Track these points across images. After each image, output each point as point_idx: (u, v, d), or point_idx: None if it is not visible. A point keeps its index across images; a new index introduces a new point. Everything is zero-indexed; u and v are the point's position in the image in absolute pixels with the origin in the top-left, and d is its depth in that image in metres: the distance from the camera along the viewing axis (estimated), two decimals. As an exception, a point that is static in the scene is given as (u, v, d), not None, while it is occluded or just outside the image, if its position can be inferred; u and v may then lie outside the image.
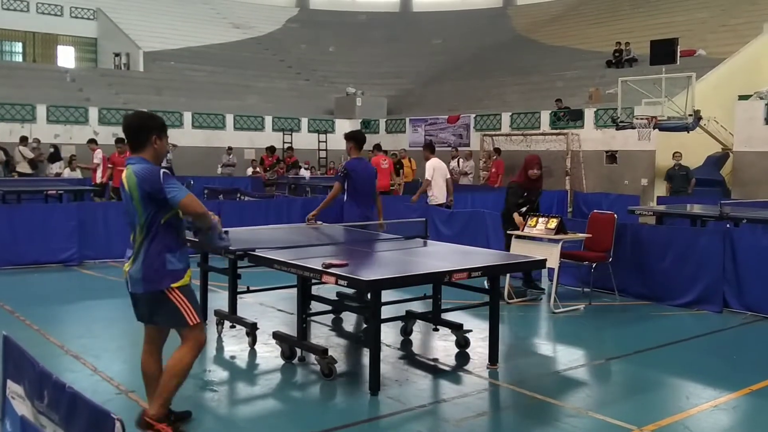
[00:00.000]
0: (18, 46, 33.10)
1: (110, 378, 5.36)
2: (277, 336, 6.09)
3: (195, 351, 4.33)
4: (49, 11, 32.99)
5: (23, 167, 18.06)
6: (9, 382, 3.36)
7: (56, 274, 9.80)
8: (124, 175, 4.22)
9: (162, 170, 4.13)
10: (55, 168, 18.92)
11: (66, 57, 33.36)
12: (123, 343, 6.59)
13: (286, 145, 24.49)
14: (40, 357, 3.27)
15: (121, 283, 9.44)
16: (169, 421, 4.26)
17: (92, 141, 17.19)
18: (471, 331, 6.33)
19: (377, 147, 15.71)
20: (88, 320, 7.28)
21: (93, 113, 22.46)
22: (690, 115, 16.04)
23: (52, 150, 19.33)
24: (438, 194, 11.46)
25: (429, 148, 11.95)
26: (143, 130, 4.23)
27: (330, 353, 5.54)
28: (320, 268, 5.16)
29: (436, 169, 11.42)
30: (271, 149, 20.98)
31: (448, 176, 11.74)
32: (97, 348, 6.18)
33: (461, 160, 20.47)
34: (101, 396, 4.88)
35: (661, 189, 17.64)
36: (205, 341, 4.50)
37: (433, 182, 11.46)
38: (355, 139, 8.04)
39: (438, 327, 6.66)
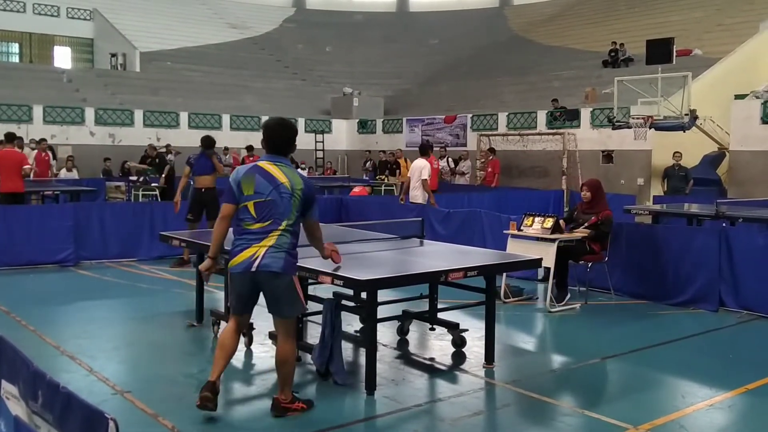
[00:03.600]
0: (14, 47, 33.02)
1: (106, 378, 5.35)
2: (274, 336, 6.08)
3: (295, 335, 4.79)
4: (46, 12, 32.92)
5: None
6: (3, 382, 3.35)
7: (52, 275, 9.78)
8: (273, 168, 4.59)
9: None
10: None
11: (62, 57, 33.29)
12: (119, 343, 6.59)
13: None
14: (35, 357, 3.27)
15: (116, 284, 9.45)
16: (297, 399, 4.75)
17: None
18: (467, 330, 6.33)
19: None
20: (84, 321, 7.27)
21: (89, 114, 22.40)
22: (686, 115, 16.04)
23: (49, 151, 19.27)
24: (419, 194, 11.74)
25: (423, 150, 12.25)
26: (292, 142, 4.77)
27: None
28: (316, 268, 5.17)
29: (424, 169, 11.67)
30: (249, 148, 20.60)
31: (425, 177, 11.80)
32: (92, 349, 6.17)
33: (450, 160, 20.51)
34: (97, 397, 4.87)
35: (657, 188, 17.66)
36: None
37: (414, 183, 11.79)
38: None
39: (434, 326, 6.67)
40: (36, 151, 16.88)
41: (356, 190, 16.95)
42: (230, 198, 4.62)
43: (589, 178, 9.04)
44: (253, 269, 4.49)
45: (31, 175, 15.03)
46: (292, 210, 4.56)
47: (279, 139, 4.71)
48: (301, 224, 4.72)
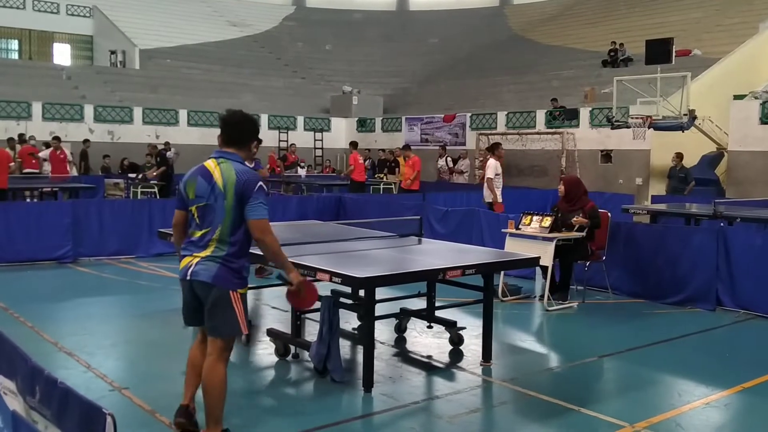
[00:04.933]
0: (14, 44, 32.99)
1: (104, 375, 5.36)
2: (271, 333, 6.11)
3: (225, 360, 4.15)
4: (46, 9, 32.91)
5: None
6: (1, 378, 3.36)
7: (51, 272, 9.79)
8: (214, 166, 4.10)
9: (260, 183, 4.04)
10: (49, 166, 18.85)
11: (62, 54, 33.27)
12: (117, 340, 6.60)
13: (282, 143, 24.46)
14: (34, 354, 3.28)
15: (114, 281, 9.47)
16: None
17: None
18: (465, 328, 6.34)
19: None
20: (82, 317, 7.28)
21: (89, 111, 22.39)
22: (685, 115, 16.06)
23: (44, 148, 19.27)
24: (488, 194, 11.87)
25: (491, 148, 12.47)
26: (249, 131, 4.24)
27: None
28: (315, 266, 5.18)
29: (489, 168, 11.84)
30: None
31: None
32: (90, 345, 6.18)
33: (449, 159, 20.53)
34: (94, 393, 4.87)
35: (655, 188, 17.67)
36: (230, 353, 4.28)
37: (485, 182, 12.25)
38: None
39: (432, 324, 6.67)
40: (51, 149, 16.82)
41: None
42: (179, 203, 4.25)
43: (569, 175, 9.12)
44: (188, 277, 4.08)
45: (18, 170, 15.13)
46: (225, 215, 4.01)
47: (226, 129, 4.21)
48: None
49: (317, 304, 5.01)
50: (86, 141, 20.46)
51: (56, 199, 14.11)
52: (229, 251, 4.05)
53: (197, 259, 4.07)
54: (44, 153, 17.01)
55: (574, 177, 8.82)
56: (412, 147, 18.32)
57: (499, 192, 11.64)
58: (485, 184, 11.84)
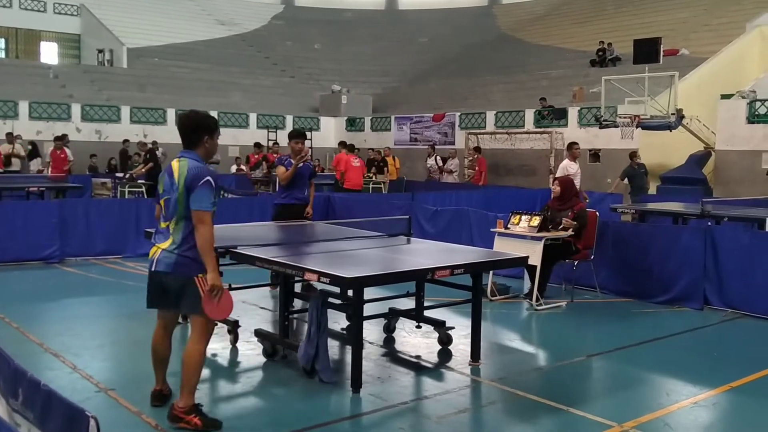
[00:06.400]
0: (1, 42, 32.76)
1: (90, 376, 5.31)
2: (259, 334, 6.08)
3: (205, 340, 4.50)
4: (32, 7, 32.70)
5: (16, 164, 17.91)
6: (-16, 380, 3.32)
7: (37, 272, 9.71)
8: (176, 164, 4.45)
9: (208, 178, 4.35)
10: (36, 165, 18.75)
11: (49, 53, 33.08)
12: (103, 341, 6.55)
13: (271, 143, 24.39)
14: (18, 355, 3.24)
15: (101, 281, 9.40)
16: (197, 412, 4.39)
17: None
18: (453, 328, 6.33)
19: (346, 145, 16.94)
20: (69, 318, 7.22)
21: (76, 110, 22.27)
22: (673, 114, 16.13)
23: (30, 147, 19.16)
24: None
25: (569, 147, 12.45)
26: (196, 129, 4.51)
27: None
28: (303, 266, 5.16)
29: (560, 170, 11.79)
30: (257, 145, 20.83)
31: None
32: (76, 346, 6.12)
33: (438, 158, 20.54)
34: (80, 394, 4.84)
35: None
36: (213, 330, 4.64)
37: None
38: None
39: (421, 324, 6.66)
40: (52, 147, 16.66)
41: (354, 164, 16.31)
42: (156, 197, 4.65)
43: (563, 176, 9.11)
44: (152, 269, 4.47)
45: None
46: (178, 206, 4.38)
47: (181, 130, 4.54)
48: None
49: (309, 305, 5.01)
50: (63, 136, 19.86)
51: (42, 198, 14.00)
52: (182, 240, 4.38)
53: (160, 251, 4.44)
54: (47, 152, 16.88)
55: (569, 178, 8.84)
56: (398, 146, 18.22)
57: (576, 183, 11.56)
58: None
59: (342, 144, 17.97)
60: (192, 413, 4.36)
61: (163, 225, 4.49)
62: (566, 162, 11.83)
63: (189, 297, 4.37)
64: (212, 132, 4.55)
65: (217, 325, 4.86)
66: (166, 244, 4.41)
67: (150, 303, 4.59)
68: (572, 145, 12.10)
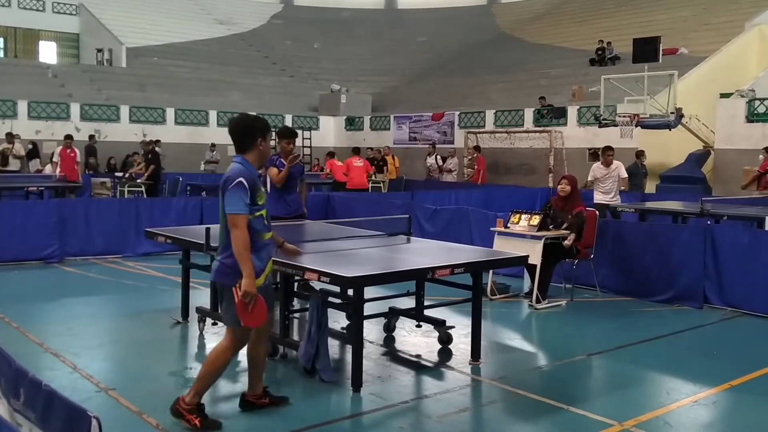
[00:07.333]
0: (-1, 42, 32.79)
1: (90, 376, 5.31)
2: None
3: (236, 348, 4.52)
4: (31, 6, 32.66)
5: (14, 164, 17.88)
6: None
7: (36, 271, 9.70)
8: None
9: (240, 179, 4.24)
10: (35, 165, 18.73)
11: (48, 52, 33.04)
12: (103, 340, 6.55)
13: (271, 142, 24.33)
14: (19, 355, 3.24)
15: (101, 281, 9.41)
16: (199, 412, 4.37)
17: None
18: (453, 327, 6.33)
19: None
20: (69, 318, 7.21)
21: (75, 109, 22.25)
22: (672, 113, 16.14)
23: (30, 147, 19.15)
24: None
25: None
26: (249, 133, 4.44)
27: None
28: (303, 265, 5.16)
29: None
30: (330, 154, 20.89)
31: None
32: (76, 346, 6.12)
33: (438, 157, 20.54)
34: (80, 394, 4.84)
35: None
36: (247, 340, 4.59)
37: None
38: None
39: (421, 323, 6.67)
40: (60, 147, 16.57)
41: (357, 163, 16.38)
42: None
43: (570, 174, 9.07)
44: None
45: None
46: (220, 212, 4.37)
47: (234, 134, 4.50)
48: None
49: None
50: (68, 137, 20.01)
51: (42, 198, 14.00)
52: (224, 247, 4.38)
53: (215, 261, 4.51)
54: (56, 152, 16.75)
55: (575, 177, 8.73)
56: (397, 146, 18.25)
57: (606, 187, 11.47)
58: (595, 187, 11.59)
59: (330, 154, 18.60)
60: (194, 413, 4.35)
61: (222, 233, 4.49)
62: (596, 165, 11.69)
63: (225, 304, 4.39)
64: (265, 134, 4.48)
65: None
66: (217, 251, 4.50)
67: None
68: (606, 150, 11.71)
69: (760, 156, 15.07)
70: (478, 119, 22.61)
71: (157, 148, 18.38)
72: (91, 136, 21.12)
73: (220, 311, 4.60)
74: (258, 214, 4.34)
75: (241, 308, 4.24)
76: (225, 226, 4.33)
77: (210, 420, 4.40)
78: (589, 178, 11.67)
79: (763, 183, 14.36)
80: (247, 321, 4.30)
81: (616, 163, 11.61)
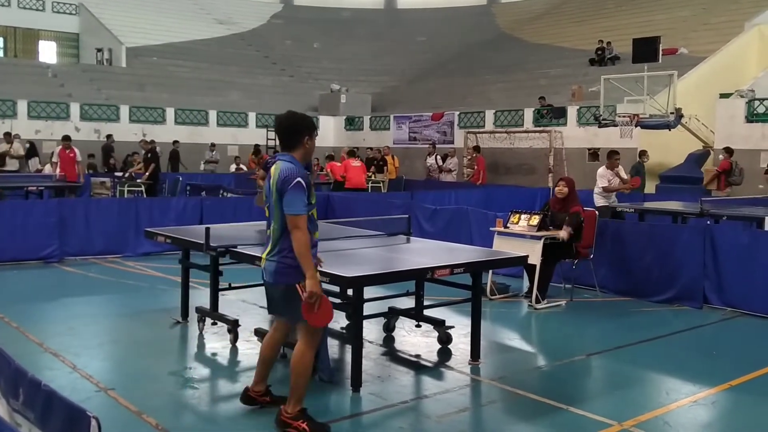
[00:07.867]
0: (-1, 41, 32.78)
1: (89, 376, 5.31)
2: (259, 333, 6.07)
3: (313, 347, 4.46)
4: (31, 6, 32.65)
5: (12, 164, 17.89)
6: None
7: (36, 271, 9.70)
8: (273, 169, 4.35)
9: (299, 180, 4.21)
10: (34, 164, 18.73)
11: (48, 52, 33.04)
12: (103, 340, 6.54)
13: (270, 142, 24.37)
14: (18, 355, 3.24)
15: (101, 280, 9.42)
16: (305, 417, 4.36)
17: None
18: (453, 327, 6.33)
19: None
20: (68, 318, 7.21)
21: (75, 109, 22.25)
22: (671, 113, 16.14)
23: (28, 146, 19.15)
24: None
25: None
26: (296, 131, 4.41)
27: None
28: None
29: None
30: (256, 152, 20.91)
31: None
32: (76, 346, 6.12)
33: (438, 157, 20.54)
34: (80, 394, 4.83)
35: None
36: (320, 339, 4.62)
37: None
38: None
39: (420, 323, 6.67)
40: (59, 147, 16.54)
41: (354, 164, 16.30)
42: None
43: (568, 177, 9.06)
44: (262, 278, 4.49)
45: None
46: (275, 211, 4.31)
47: (280, 132, 4.47)
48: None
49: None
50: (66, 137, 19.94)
51: (41, 197, 14.00)
52: (282, 246, 4.30)
53: (264, 259, 4.43)
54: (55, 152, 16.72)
55: (572, 179, 8.74)
56: (397, 145, 18.29)
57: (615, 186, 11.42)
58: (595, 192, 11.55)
59: (330, 157, 18.82)
60: (300, 419, 4.34)
61: (267, 232, 4.45)
62: (602, 170, 11.64)
63: (290, 305, 4.32)
64: (312, 132, 4.46)
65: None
66: (267, 252, 4.38)
67: (268, 309, 4.69)
68: (612, 155, 11.69)
69: (720, 156, 15.17)
70: (477, 119, 22.61)
71: (157, 148, 18.40)
72: (108, 136, 21.20)
73: (282, 313, 4.50)
74: (311, 213, 4.35)
75: (306, 308, 4.19)
76: (281, 227, 4.27)
77: (318, 423, 4.39)
78: (608, 184, 11.45)
79: (722, 182, 14.53)
80: (314, 321, 4.26)
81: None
